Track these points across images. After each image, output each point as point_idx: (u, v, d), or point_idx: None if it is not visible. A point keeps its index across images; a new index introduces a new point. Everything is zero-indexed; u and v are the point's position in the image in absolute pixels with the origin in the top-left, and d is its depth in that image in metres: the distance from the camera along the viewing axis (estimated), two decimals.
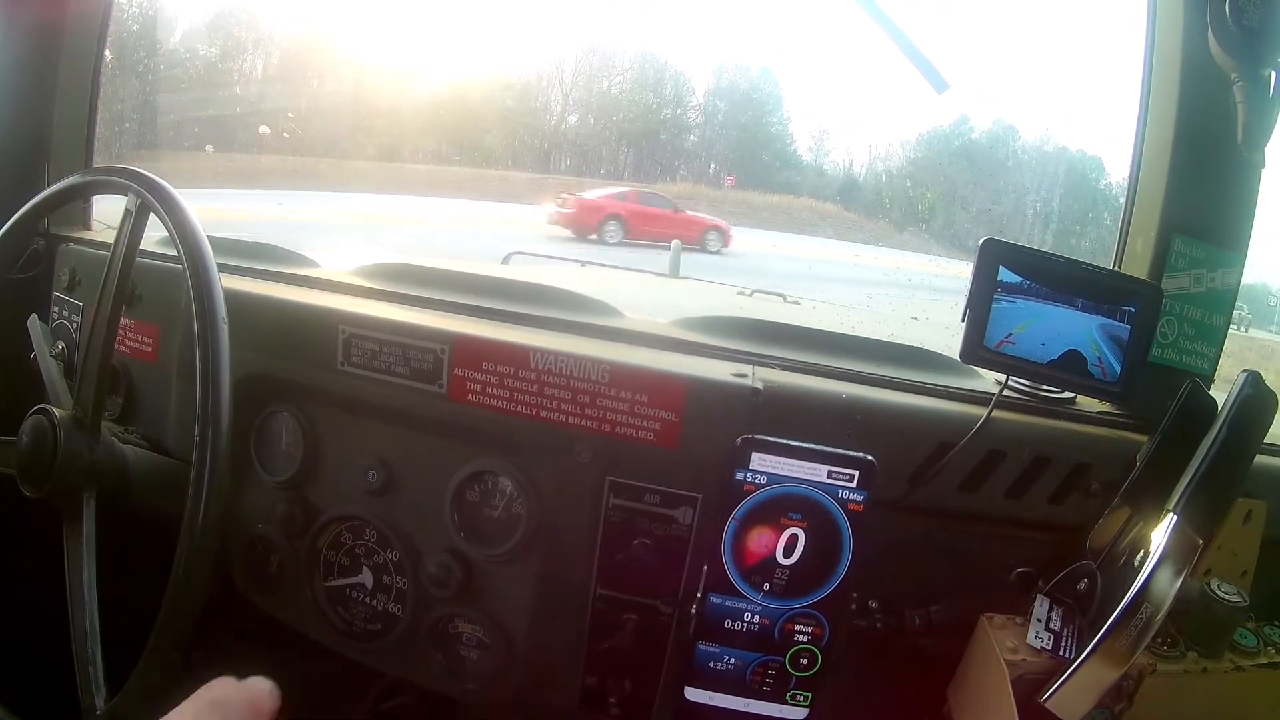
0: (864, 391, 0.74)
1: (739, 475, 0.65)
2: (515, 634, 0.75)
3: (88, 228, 1.10)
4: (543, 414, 0.71)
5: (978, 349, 0.72)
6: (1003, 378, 0.75)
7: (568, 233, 8.09)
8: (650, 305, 1.07)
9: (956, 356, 0.73)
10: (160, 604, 0.64)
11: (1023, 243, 0.73)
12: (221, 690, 0.34)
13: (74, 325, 0.97)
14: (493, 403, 0.72)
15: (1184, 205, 0.77)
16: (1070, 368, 0.72)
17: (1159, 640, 0.65)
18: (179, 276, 0.71)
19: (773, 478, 0.65)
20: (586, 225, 8.35)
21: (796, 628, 0.68)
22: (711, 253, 8.76)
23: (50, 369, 0.82)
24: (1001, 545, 0.74)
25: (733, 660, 0.69)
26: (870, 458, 0.65)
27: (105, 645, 0.67)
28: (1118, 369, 0.72)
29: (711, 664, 0.69)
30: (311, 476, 0.80)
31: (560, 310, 0.83)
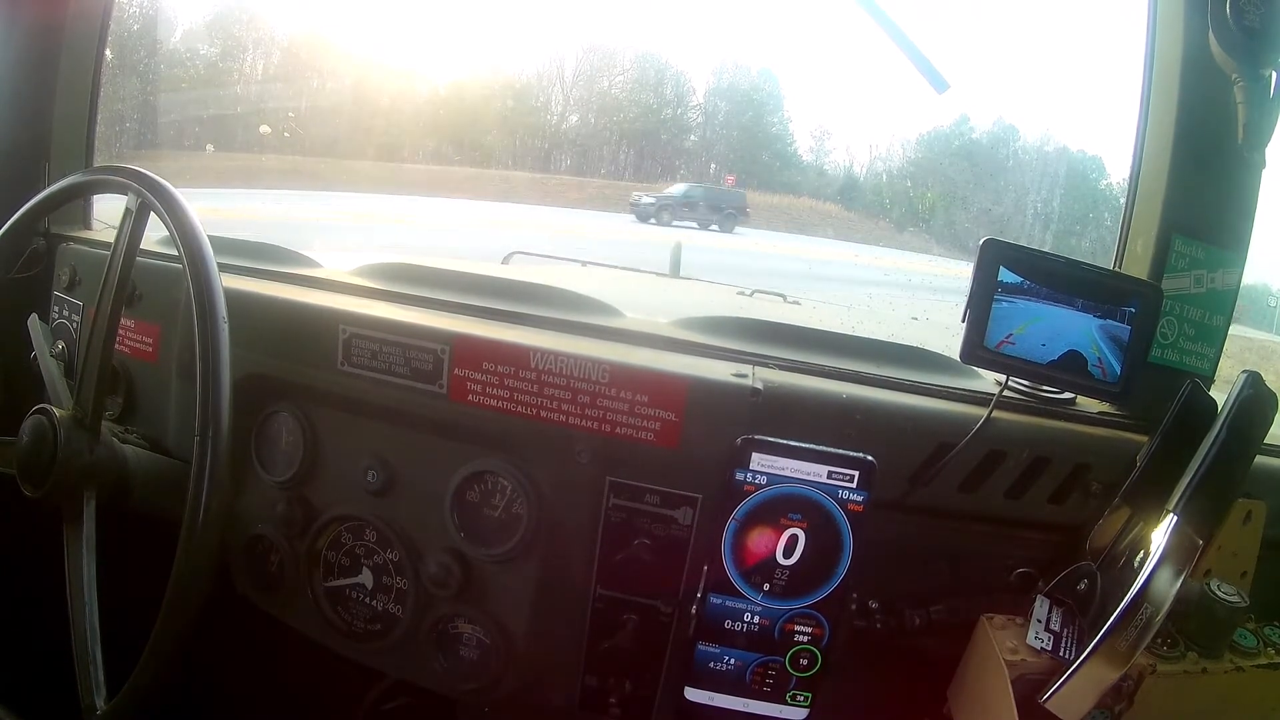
0: (864, 392, 0.74)
1: (739, 475, 0.65)
2: (515, 634, 0.75)
3: (88, 227, 1.10)
4: (543, 414, 0.71)
5: (978, 349, 0.72)
6: (1003, 378, 0.75)
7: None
8: (650, 305, 1.07)
9: (956, 357, 0.73)
10: (160, 604, 0.64)
11: (1023, 243, 0.73)
12: None
13: (74, 325, 0.97)
14: (493, 403, 0.72)
15: (1184, 205, 0.77)
16: (1070, 368, 0.72)
17: (1159, 640, 0.65)
18: (179, 276, 0.71)
19: (773, 478, 0.65)
20: None
21: (796, 628, 0.68)
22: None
23: (50, 369, 0.82)
24: (1001, 545, 0.74)
25: (733, 660, 0.69)
26: (870, 458, 0.65)
27: (105, 645, 0.67)
28: (1118, 369, 0.72)
29: (711, 664, 0.69)
30: (311, 476, 0.80)
31: (560, 310, 0.83)
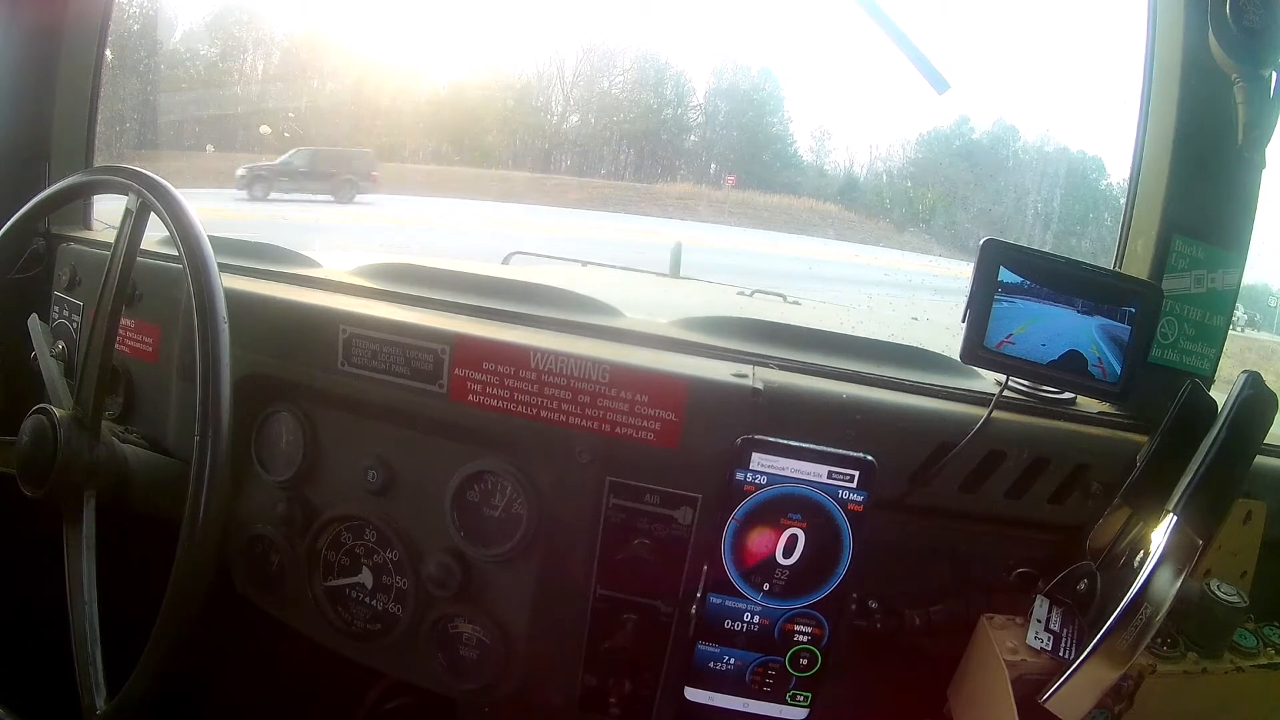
0: (864, 392, 0.74)
1: (739, 475, 0.65)
2: (515, 634, 0.75)
3: (88, 227, 1.10)
4: (543, 414, 0.71)
5: (978, 349, 0.72)
6: (1003, 378, 0.75)
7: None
8: (650, 305, 1.07)
9: (957, 357, 0.73)
10: (160, 604, 0.64)
11: (1023, 243, 0.73)
12: None
13: (74, 325, 0.97)
14: (493, 403, 0.72)
15: (1184, 205, 0.77)
16: (1070, 368, 0.72)
17: (1159, 640, 0.65)
18: (179, 276, 0.71)
19: (773, 478, 0.65)
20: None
21: (796, 628, 0.68)
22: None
23: (50, 369, 0.82)
24: (1001, 545, 0.74)
25: (733, 660, 0.69)
26: (870, 458, 0.65)
27: (105, 645, 0.67)
28: (1118, 369, 0.72)
29: (711, 664, 0.69)
30: (311, 476, 0.80)
31: (560, 310, 0.83)
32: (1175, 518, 0.61)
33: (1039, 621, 0.66)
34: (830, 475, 0.65)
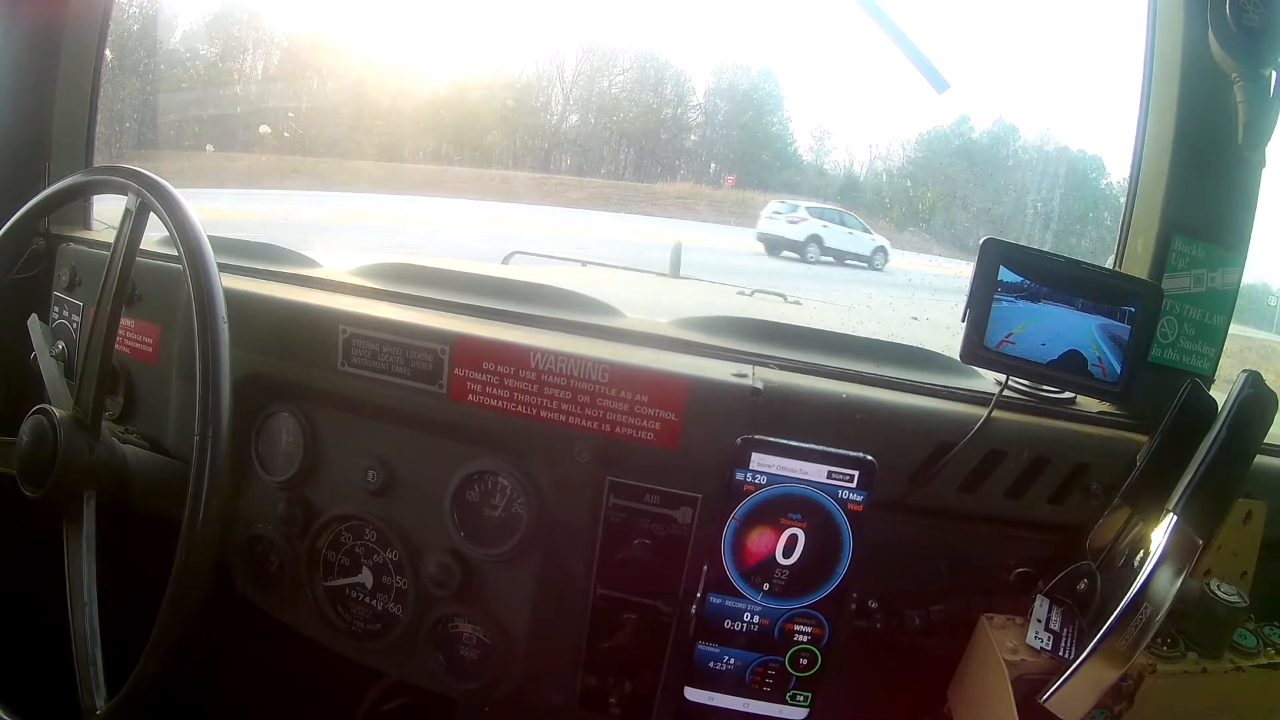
0: (864, 391, 0.74)
1: (739, 475, 0.65)
2: (515, 634, 0.75)
3: (88, 227, 1.10)
4: (543, 414, 0.71)
5: (978, 349, 0.72)
6: (1003, 378, 0.75)
7: None
8: (650, 305, 1.07)
9: (956, 356, 0.73)
10: (160, 604, 0.64)
11: (1023, 243, 0.73)
12: None
13: (74, 325, 0.97)
14: (493, 403, 0.72)
15: (1184, 205, 0.77)
16: (1070, 368, 0.72)
17: (1159, 640, 0.65)
18: (179, 276, 0.71)
19: (773, 478, 0.65)
20: None
21: (796, 628, 0.68)
22: None
23: (50, 369, 0.82)
24: (1001, 545, 0.74)
25: (732, 660, 0.69)
26: (870, 458, 0.65)
27: (105, 645, 0.67)
28: (1118, 369, 0.72)
29: (711, 664, 0.69)
30: (311, 476, 0.80)
31: (560, 310, 0.83)
32: (1175, 518, 0.61)
33: (1039, 621, 0.66)
34: (830, 475, 0.65)
